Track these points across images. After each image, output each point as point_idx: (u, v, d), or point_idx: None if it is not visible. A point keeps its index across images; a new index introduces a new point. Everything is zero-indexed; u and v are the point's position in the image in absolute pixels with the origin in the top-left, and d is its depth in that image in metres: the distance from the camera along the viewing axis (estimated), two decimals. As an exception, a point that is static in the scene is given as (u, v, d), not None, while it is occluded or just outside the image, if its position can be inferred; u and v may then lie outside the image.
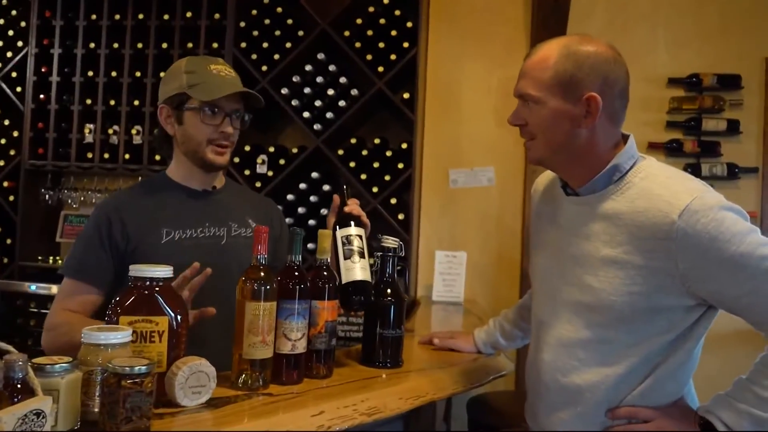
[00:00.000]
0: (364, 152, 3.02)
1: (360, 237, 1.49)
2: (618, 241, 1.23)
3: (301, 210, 3.03)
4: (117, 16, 3.21)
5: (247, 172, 3.10)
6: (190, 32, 3.17)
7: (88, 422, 0.99)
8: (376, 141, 3.04)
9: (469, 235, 3.19)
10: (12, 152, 3.30)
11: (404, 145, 2.99)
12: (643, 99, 3.01)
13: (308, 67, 3.03)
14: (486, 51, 3.15)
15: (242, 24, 3.11)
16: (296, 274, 1.35)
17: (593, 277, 1.26)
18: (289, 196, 3.04)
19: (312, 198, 3.02)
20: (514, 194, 3.13)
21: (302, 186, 3.04)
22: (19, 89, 3.28)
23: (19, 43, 3.29)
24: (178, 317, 1.17)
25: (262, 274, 1.28)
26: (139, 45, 3.20)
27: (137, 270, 1.15)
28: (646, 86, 3.02)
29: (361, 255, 1.46)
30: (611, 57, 1.27)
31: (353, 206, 1.55)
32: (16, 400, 0.86)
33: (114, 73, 3.22)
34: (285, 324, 1.31)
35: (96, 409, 0.99)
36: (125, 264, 1.54)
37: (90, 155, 3.21)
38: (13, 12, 3.34)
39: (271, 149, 3.12)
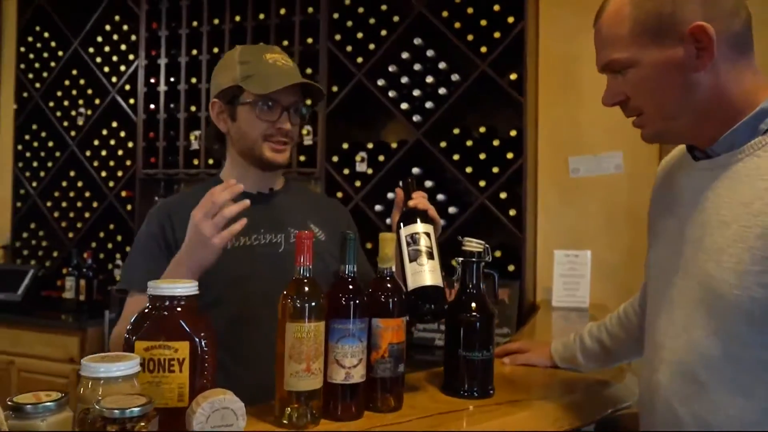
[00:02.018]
0: (469, 143, 2.74)
1: (428, 235, 1.25)
2: (755, 209, 0.90)
3: (402, 209, 2.81)
4: (216, 21, 3.20)
5: (346, 172, 2.94)
6: (285, 30, 3.07)
7: (84, 471, 0.84)
8: (482, 130, 2.75)
9: (594, 231, 2.80)
10: (128, 162, 3.41)
11: (513, 133, 2.67)
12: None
13: (405, 55, 2.81)
14: (607, 18, 2.73)
15: (335, 15, 2.95)
16: (350, 287, 1.13)
17: (715, 264, 0.93)
18: (390, 195, 2.84)
19: (414, 196, 2.78)
20: (647, 181, 2.63)
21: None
22: (132, 101, 3.38)
23: (131, 57, 3.40)
24: (203, 342, 0.99)
25: (306, 288, 1.07)
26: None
27: (154, 287, 0.99)
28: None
29: (430, 256, 1.23)
30: None
31: (419, 200, 1.31)
32: (-28, 452, 0.72)
33: (216, 79, 3.21)
34: (337, 348, 1.09)
35: (93, 456, 0.83)
36: None
37: (196, 162, 3.22)
38: (125, 27, 3.46)
39: (370, 145, 2.94)
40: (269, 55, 1.42)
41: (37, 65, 3.69)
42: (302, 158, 3.01)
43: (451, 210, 2.73)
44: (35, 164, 3.68)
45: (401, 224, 1.29)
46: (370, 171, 2.91)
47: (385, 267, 1.18)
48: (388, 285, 1.17)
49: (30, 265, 3.60)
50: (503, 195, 2.67)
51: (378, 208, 2.85)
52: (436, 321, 1.29)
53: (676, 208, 1.08)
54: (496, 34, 2.67)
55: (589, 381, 1.41)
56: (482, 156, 2.69)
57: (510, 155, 2.65)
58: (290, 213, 1.51)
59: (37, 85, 3.67)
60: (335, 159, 2.96)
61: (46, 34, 3.67)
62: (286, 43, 3.06)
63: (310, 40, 3.01)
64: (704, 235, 0.97)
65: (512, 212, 2.65)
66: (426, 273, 1.21)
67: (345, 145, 2.98)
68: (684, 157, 1.11)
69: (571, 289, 2.65)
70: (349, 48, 2.94)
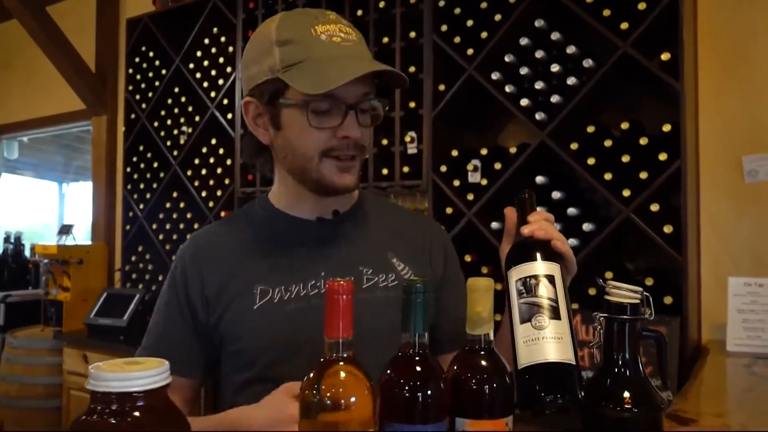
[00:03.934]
0: (608, 143, 2.19)
1: (551, 280, 0.80)
2: None
3: (525, 227, 2.32)
4: (312, 23, 2.92)
5: (456, 183, 2.50)
6: (385, 25, 2.71)
7: None
8: (624, 126, 2.19)
9: (784, 252, 2.13)
10: (227, 181, 3.22)
11: (667, 128, 2.10)
12: None
13: (524, 41, 2.33)
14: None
15: (441, 3, 2.54)
16: (417, 368, 0.70)
17: None
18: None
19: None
20: None
21: (524, 195, 2.33)
22: (229, 116, 3.19)
23: (228, 69, 3.21)
24: (169, 466, 0.61)
25: (342, 375, 0.67)
26: (335, 50, 2.85)
27: (96, 378, 0.62)
28: None
29: (554, 314, 0.77)
30: None
31: (537, 224, 0.86)
32: None
33: (313, 86, 2.92)
34: (395, 471, 0.67)
35: None
36: (214, 343, 1.03)
37: (293, 178, 2.95)
38: (223, 39, 3.29)
39: (484, 151, 2.48)
40: (320, 27, 0.98)
41: (143, 86, 3.64)
42: (405, 169, 2.62)
43: (587, 227, 2.19)
44: (142, 186, 3.62)
45: (511, 263, 0.85)
46: (484, 182, 2.44)
47: (477, 333, 0.75)
48: (483, 363, 0.74)
49: (137, 289, 3.53)
50: (654, 207, 2.09)
51: (495, 225, 2.38)
52: (563, 414, 0.82)
53: None
54: (641, 5, 2.12)
55: None
56: (626, 159, 2.14)
57: (663, 156, 2.07)
58: (363, 244, 1.10)
59: (143, 105, 3.61)
60: (444, 169, 2.53)
61: (151, 54, 3.61)
62: (386, 40, 2.70)
63: (412, 34, 2.63)
64: None
65: (667, 229, 2.07)
66: (548, 342, 0.76)
67: (455, 153, 2.54)
68: None
69: (755, 328, 2.01)
70: (457, 39, 2.51)
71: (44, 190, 6.62)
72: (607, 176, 2.18)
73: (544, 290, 0.79)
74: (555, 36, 2.28)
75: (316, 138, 1.00)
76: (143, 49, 3.64)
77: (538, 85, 2.31)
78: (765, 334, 2.00)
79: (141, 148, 3.65)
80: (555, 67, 2.27)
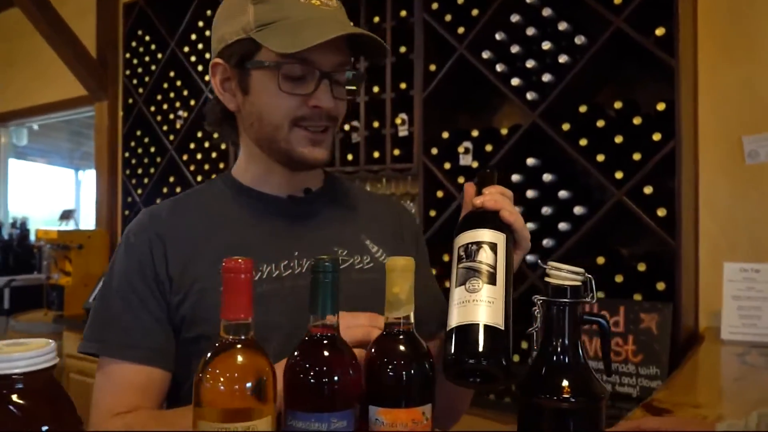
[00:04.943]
0: (601, 123, 2.11)
1: (493, 248, 0.77)
2: None
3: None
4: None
5: (447, 166, 2.44)
6: (376, 4, 2.64)
7: None
8: (618, 105, 2.11)
9: (784, 236, 2.04)
10: (221, 165, 3.19)
11: (661, 106, 2.01)
12: None
13: (515, 18, 2.25)
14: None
15: (432, -20, 2.47)
16: (326, 353, 0.66)
17: None
18: (499, 193, 2.29)
19: (529, 193, 2.22)
20: None
21: (515, 177, 2.27)
22: (224, 100, 3.15)
23: (222, 52, 3.17)
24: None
25: (239, 358, 0.63)
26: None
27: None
28: None
29: (491, 279, 0.74)
30: None
31: (491, 195, 0.83)
32: None
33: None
34: (297, 463, 0.63)
35: None
36: (174, 325, 0.95)
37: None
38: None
39: (475, 133, 2.41)
40: None
41: (139, 70, 3.62)
42: (396, 152, 2.56)
43: (578, 210, 2.12)
44: (140, 171, 3.61)
45: (457, 232, 0.82)
46: (475, 164, 2.38)
47: (396, 317, 0.70)
48: (400, 347, 0.69)
49: (135, 274, 3.52)
50: (648, 189, 2.02)
51: (485, 209, 2.32)
52: (489, 390, 0.78)
53: None
54: (635, -22, 2.03)
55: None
56: (619, 139, 2.06)
57: (657, 136, 1.99)
58: (337, 225, 1.05)
59: (140, 90, 3.59)
60: (435, 151, 2.47)
61: (147, 38, 3.59)
62: (377, 19, 2.63)
63: (403, 13, 2.56)
64: None
65: (661, 212, 1.99)
66: (478, 304, 0.72)
67: (446, 135, 2.48)
68: None
69: (750, 316, 1.93)
70: (448, 17, 2.44)
71: (61, 178, 6.66)
72: (600, 158, 2.10)
73: (483, 256, 0.75)
74: (546, 12, 2.19)
75: (286, 104, 0.94)
76: (139, 33, 3.62)
77: (530, 63, 2.23)
78: (761, 322, 1.92)
79: (138, 133, 3.64)
80: (546, 45, 2.19)
